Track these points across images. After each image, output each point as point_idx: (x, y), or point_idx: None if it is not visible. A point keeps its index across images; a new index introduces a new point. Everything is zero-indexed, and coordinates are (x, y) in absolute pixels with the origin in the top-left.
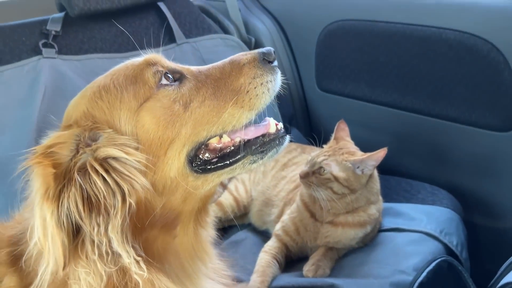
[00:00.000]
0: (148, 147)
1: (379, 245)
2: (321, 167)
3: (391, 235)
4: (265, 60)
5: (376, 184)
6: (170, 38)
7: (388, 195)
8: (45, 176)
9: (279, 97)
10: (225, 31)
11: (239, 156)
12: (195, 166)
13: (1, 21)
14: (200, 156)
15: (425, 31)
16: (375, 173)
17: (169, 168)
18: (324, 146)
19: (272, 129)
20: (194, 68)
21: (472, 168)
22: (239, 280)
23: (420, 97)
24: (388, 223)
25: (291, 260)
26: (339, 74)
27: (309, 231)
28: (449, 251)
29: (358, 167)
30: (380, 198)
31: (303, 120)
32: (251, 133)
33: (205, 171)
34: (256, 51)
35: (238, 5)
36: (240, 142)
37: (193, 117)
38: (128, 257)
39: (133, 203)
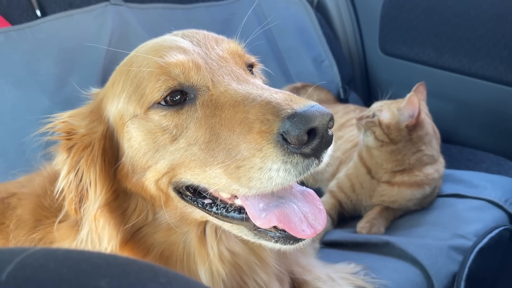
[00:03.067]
0: (130, 160)
1: (438, 209)
2: (375, 112)
3: (451, 200)
4: (290, 139)
5: (427, 146)
6: None
7: (449, 163)
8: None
9: (338, 59)
10: None
11: (230, 216)
12: (183, 194)
13: None
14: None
15: None
16: (426, 136)
17: (148, 187)
18: None
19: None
20: (223, 85)
21: None
22: None
23: (493, 64)
24: (448, 189)
25: (344, 218)
26: (404, 37)
27: (365, 189)
28: None
29: (404, 118)
30: (441, 160)
31: (362, 84)
32: (253, 212)
33: (196, 203)
34: (290, 111)
35: None
36: (239, 207)
37: (175, 156)
38: (108, 243)
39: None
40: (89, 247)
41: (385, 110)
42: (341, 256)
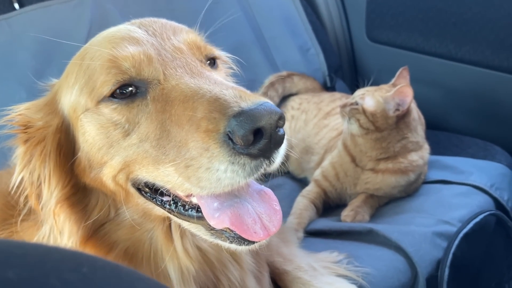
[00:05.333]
0: (86, 155)
1: (423, 196)
2: (357, 99)
3: (437, 187)
4: (235, 139)
5: (413, 133)
6: None
7: (436, 150)
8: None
9: (325, 47)
10: None
11: (187, 215)
12: (142, 190)
13: None
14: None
15: None
16: (412, 122)
17: (106, 183)
18: None
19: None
20: (175, 79)
21: None
22: None
23: (479, 48)
24: (434, 175)
25: (329, 207)
26: (391, 23)
27: (349, 177)
28: (499, 206)
29: (391, 107)
30: (426, 146)
31: (350, 72)
32: (207, 212)
33: (154, 200)
34: (237, 109)
35: None
36: (196, 205)
37: (128, 152)
38: (68, 239)
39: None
40: (50, 243)
41: (368, 97)
42: (325, 245)
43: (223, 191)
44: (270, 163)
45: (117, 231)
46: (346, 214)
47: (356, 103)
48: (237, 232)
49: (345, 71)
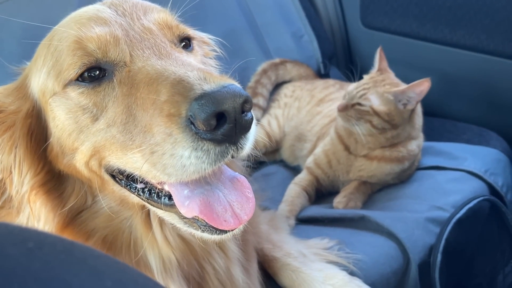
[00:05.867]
0: (57, 140)
1: (416, 182)
2: (360, 100)
3: (431, 173)
4: (197, 124)
5: (419, 119)
6: None
7: (430, 136)
8: None
9: (318, 34)
10: None
11: (161, 202)
12: (116, 177)
13: None
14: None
15: None
16: (418, 107)
17: (80, 170)
18: (365, 76)
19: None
20: (142, 60)
21: None
22: (266, 209)
23: (474, 32)
24: (428, 161)
25: (321, 194)
26: (385, 9)
27: (342, 164)
28: (493, 191)
29: (400, 101)
30: (421, 134)
31: (344, 59)
32: (178, 199)
33: (128, 187)
34: (199, 92)
35: None
36: (168, 192)
37: (96, 138)
38: (43, 226)
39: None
40: None
41: (372, 96)
42: (316, 232)
43: (190, 179)
44: (237, 149)
45: (95, 219)
46: (339, 200)
47: (359, 104)
48: (207, 220)
49: (339, 58)
